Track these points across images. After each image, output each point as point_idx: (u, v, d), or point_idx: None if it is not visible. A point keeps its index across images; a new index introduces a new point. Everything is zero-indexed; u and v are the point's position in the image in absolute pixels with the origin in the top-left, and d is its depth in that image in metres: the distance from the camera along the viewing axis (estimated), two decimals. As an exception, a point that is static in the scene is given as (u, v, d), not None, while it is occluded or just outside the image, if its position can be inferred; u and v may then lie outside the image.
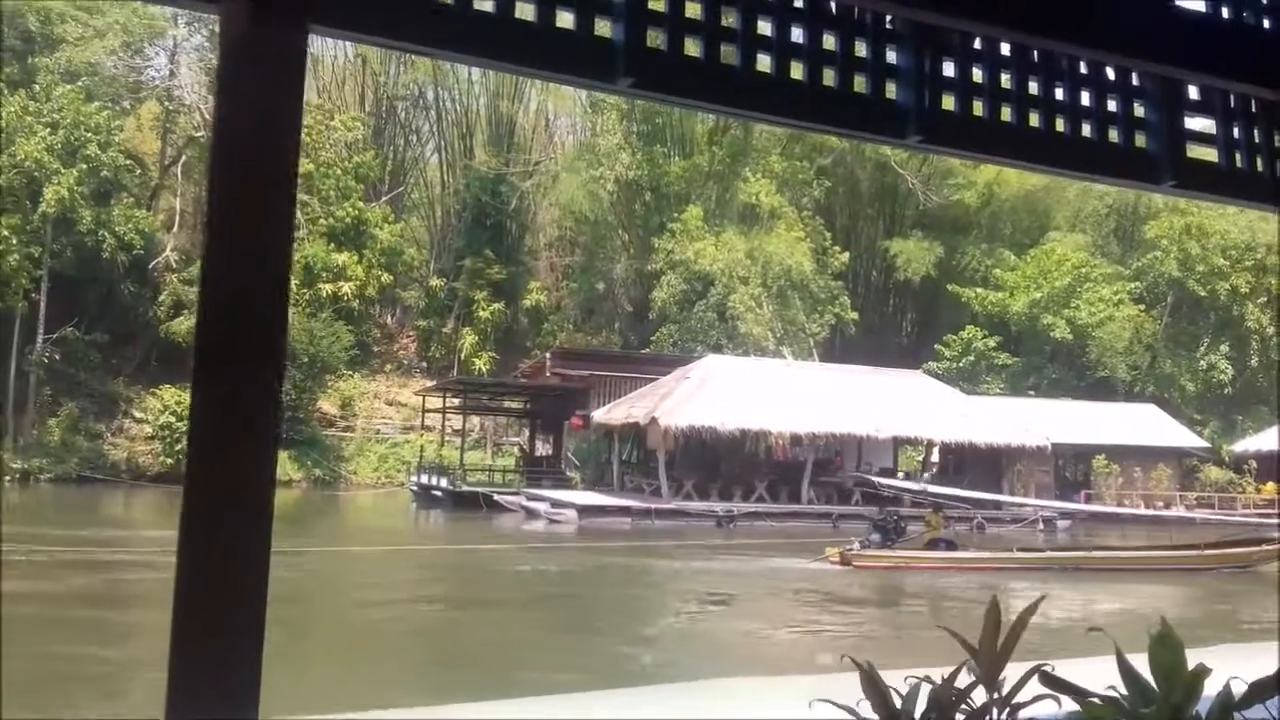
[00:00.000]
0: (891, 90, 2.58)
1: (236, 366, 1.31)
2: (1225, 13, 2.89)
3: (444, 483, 36.82)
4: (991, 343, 48.53)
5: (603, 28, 2.26)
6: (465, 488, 35.91)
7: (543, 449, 44.27)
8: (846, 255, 51.18)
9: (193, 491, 1.32)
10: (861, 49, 2.53)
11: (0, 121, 37.90)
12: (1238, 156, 2.98)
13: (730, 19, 2.40)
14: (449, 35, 2.12)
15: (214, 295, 1.33)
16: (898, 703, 2.06)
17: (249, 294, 1.31)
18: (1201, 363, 50.02)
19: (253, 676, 1.29)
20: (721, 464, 35.66)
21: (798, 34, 2.46)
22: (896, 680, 2.13)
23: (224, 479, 1.30)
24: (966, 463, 37.19)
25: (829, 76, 2.50)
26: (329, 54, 54.58)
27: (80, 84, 41.27)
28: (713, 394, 34.05)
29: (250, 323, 1.30)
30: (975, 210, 54.36)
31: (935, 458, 38.50)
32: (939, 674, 2.12)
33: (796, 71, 2.46)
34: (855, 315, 50.08)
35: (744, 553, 24.52)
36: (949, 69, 2.62)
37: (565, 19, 2.25)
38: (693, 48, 2.34)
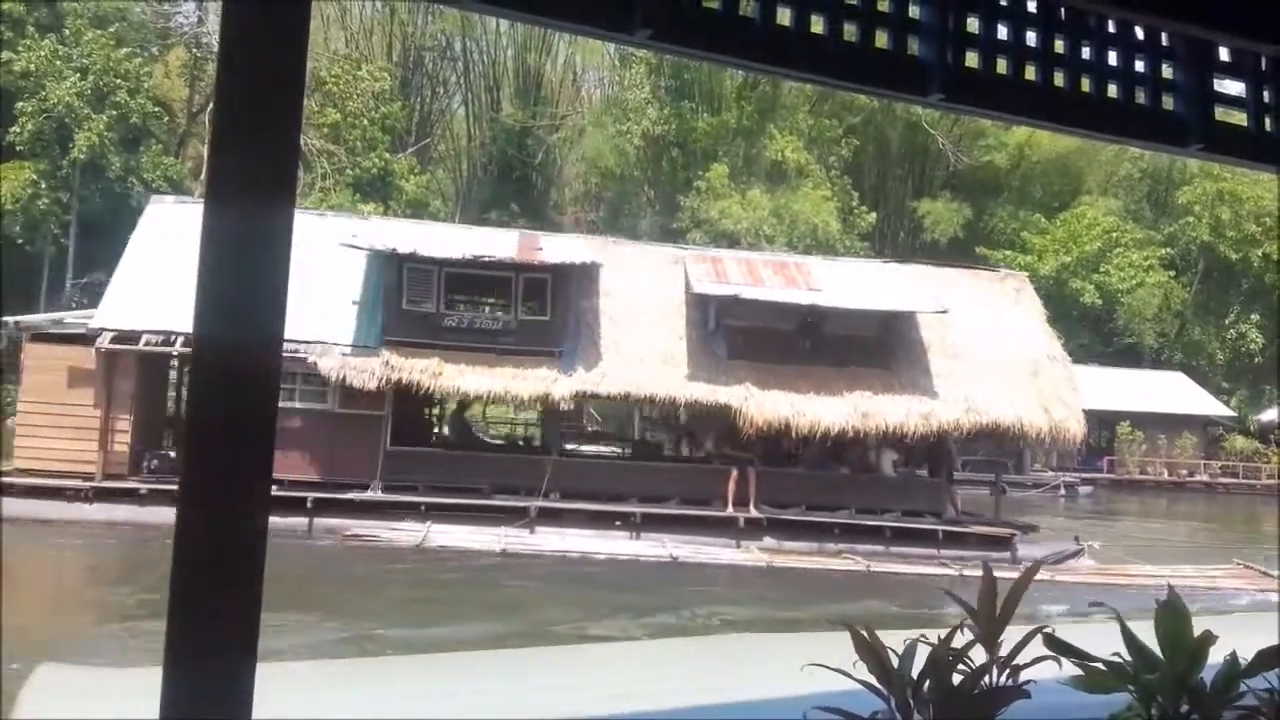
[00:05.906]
0: (914, 46, 2.53)
1: (237, 320, 1.32)
2: (1261, -28, 2.82)
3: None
4: (1018, 306, 48.05)
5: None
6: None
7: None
8: (874, 215, 50.62)
9: (193, 439, 1.33)
10: (884, 3, 2.49)
11: (30, 65, 37.97)
12: (1267, 121, 2.92)
13: (750, -30, 2.35)
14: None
15: (216, 252, 1.33)
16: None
17: (251, 244, 1.31)
18: (1231, 331, 49.44)
19: (246, 678, 1.29)
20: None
21: (818, -14, 2.41)
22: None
23: (223, 449, 1.30)
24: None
25: (850, 31, 2.45)
26: (357, 2, 54.17)
27: (110, 30, 41.20)
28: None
29: (250, 293, 1.30)
30: (1006, 172, 53.69)
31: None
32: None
33: (817, 25, 2.42)
34: (881, 276, 49.60)
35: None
36: (973, 25, 2.57)
37: (582, -32, 2.21)
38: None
